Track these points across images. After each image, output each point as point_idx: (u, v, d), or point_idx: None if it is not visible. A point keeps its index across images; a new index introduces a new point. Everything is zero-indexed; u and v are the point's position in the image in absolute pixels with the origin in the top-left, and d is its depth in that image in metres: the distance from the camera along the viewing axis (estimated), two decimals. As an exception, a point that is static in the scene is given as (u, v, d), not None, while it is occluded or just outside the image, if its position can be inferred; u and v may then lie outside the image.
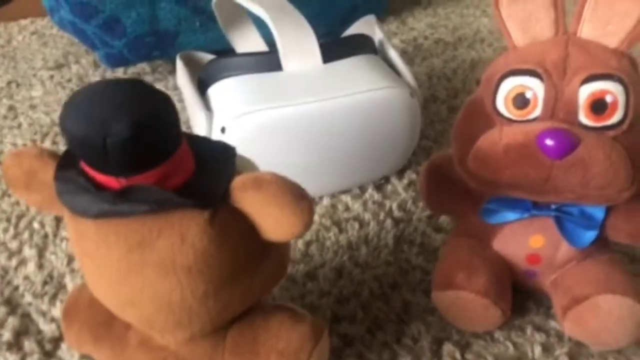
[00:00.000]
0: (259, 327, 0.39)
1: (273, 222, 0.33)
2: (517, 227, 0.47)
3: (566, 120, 0.40)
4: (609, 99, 0.39)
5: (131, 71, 0.97)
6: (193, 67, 0.73)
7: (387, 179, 0.69)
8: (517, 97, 0.41)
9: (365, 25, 0.75)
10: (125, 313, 0.36)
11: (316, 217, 0.63)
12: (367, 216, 0.63)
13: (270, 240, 0.34)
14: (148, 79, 0.94)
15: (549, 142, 0.39)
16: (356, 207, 0.65)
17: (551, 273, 0.49)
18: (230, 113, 0.59)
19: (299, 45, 0.63)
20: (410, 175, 0.69)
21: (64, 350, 0.49)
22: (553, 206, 0.45)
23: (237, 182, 0.33)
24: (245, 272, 0.35)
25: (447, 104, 0.83)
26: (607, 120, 0.40)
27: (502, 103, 0.42)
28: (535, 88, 0.41)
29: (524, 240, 0.47)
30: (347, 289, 0.54)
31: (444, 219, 0.62)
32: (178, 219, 0.32)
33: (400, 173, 0.69)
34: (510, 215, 0.47)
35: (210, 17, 0.84)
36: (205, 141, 0.36)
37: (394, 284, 0.55)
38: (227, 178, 0.33)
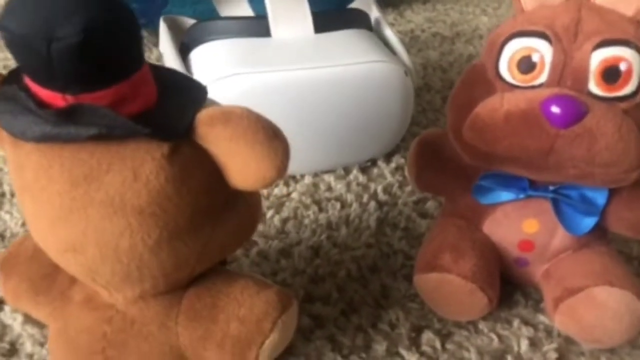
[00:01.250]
0: (220, 292, 0.35)
1: (241, 163, 0.28)
2: (510, 210, 0.44)
3: (574, 87, 0.37)
4: (623, 66, 0.36)
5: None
6: (177, 32, 0.69)
7: (373, 162, 0.64)
8: (523, 60, 0.38)
9: (362, 4, 0.71)
10: (66, 261, 0.31)
11: (295, 195, 0.59)
12: (350, 197, 0.59)
13: (237, 187, 0.30)
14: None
15: (554, 109, 0.35)
16: (339, 187, 0.61)
17: (543, 263, 0.45)
18: (212, 75, 0.55)
19: (289, 11, 0.59)
20: (399, 160, 0.65)
21: (6, 312, 0.45)
22: (551, 187, 0.42)
23: (204, 115, 0.29)
24: (206, 222, 0.31)
25: (441, 94, 0.79)
26: (619, 91, 0.36)
27: (506, 67, 0.38)
28: (542, 51, 0.37)
29: (517, 224, 0.44)
30: (323, 269, 0.50)
31: (431, 205, 0.58)
32: (131, 151, 0.28)
33: (388, 157, 0.65)
34: (505, 195, 0.43)
35: (201, -14, 0.80)
36: (174, 73, 0.32)
37: (374, 267, 0.51)
38: (192, 111, 0.29)
